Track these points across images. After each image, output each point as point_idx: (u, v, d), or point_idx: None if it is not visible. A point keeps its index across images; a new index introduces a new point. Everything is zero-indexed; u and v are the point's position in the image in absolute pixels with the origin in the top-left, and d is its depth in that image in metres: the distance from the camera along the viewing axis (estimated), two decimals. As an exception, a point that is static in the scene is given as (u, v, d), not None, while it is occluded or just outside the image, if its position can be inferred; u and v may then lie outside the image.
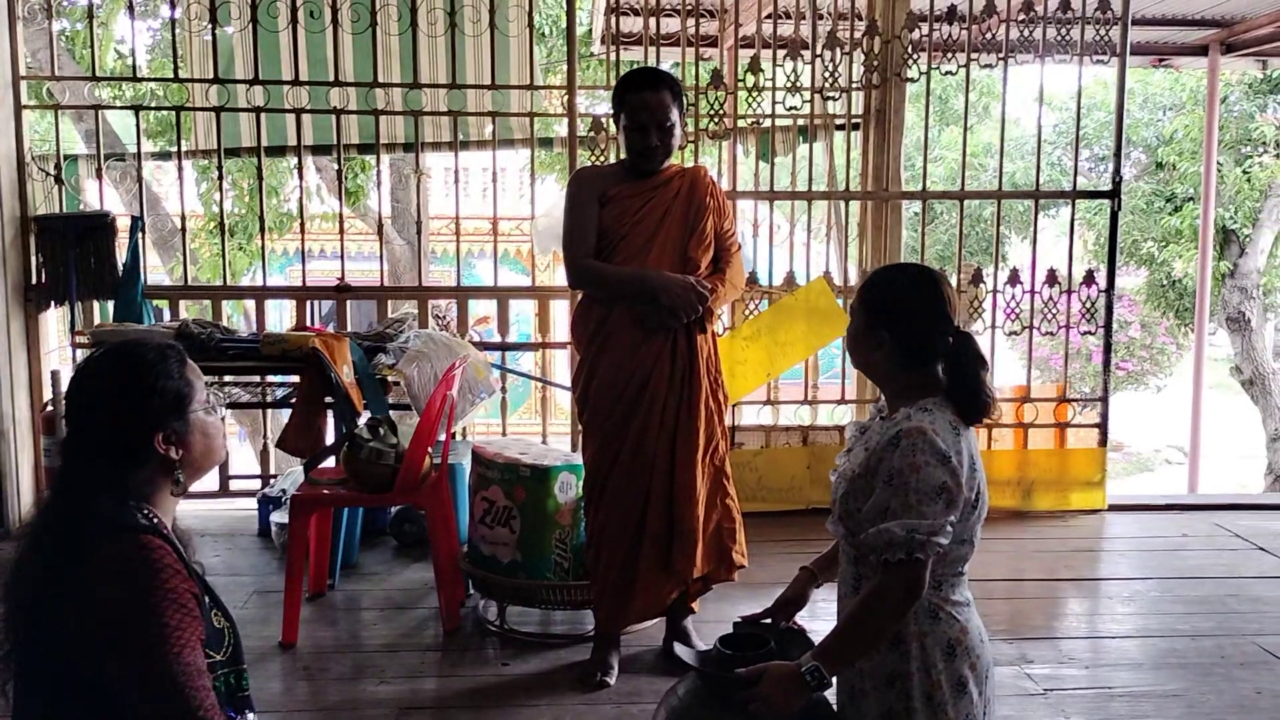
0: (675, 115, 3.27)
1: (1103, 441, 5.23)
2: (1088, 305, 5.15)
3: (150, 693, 1.56)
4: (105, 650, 1.58)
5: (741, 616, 2.30)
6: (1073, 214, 5.28)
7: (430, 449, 3.76)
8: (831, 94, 5.08)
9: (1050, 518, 5.08)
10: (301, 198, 5.27)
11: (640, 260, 3.29)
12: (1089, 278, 5.15)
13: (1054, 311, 5.16)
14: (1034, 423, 5.22)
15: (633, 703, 3.17)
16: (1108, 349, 5.33)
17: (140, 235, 4.83)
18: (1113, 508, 5.18)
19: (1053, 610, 4.09)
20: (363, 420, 3.90)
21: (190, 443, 1.76)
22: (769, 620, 2.29)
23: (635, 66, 3.83)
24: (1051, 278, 5.15)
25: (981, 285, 5.15)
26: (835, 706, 2.15)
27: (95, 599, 1.58)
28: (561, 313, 5.14)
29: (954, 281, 5.16)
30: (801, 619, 2.31)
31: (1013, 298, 5.14)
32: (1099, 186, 5.34)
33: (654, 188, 3.33)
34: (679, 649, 2.43)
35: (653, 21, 4.97)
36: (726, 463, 3.47)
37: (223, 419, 1.88)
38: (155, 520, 1.71)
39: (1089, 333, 5.24)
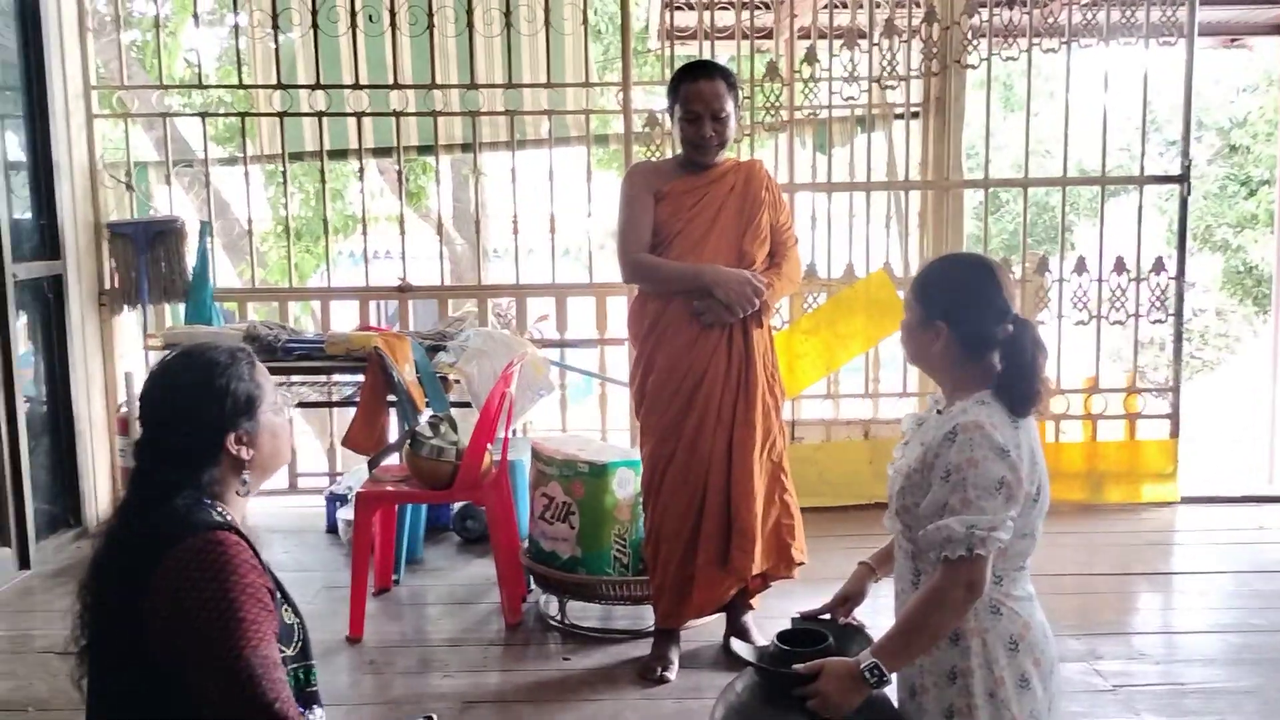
0: (730, 106, 3.26)
1: (1175, 432, 5.11)
2: (1158, 293, 5.03)
3: (228, 686, 1.60)
4: (183, 645, 1.61)
5: (800, 612, 2.28)
6: (1140, 199, 5.15)
7: (490, 446, 3.80)
8: (890, 83, 5.02)
9: (1121, 511, 4.97)
10: (364, 200, 5.34)
11: (696, 255, 3.28)
12: (1158, 265, 5.03)
13: (1122, 300, 5.05)
14: (1103, 414, 5.11)
15: (693, 698, 3.17)
16: (1179, 337, 5.20)
17: (209, 239, 4.94)
18: (1185, 500, 5.05)
19: (1123, 605, 4.01)
20: (424, 418, 3.95)
21: (260, 443, 1.80)
22: (827, 616, 2.27)
23: (690, 60, 3.82)
24: (1120, 266, 5.04)
25: (1047, 274, 5.06)
26: (896, 704, 2.14)
27: (174, 595, 1.62)
28: (619, 309, 5.15)
29: (1018, 271, 5.10)
30: (861, 614, 2.29)
31: (1079, 286, 5.04)
32: (1171, 172, 5.20)
33: (709, 182, 3.32)
34: (736, 645, 2.42)
35: (708, 15, 4.96)
36: (784, 459, 3.45)
37: (290, 420, 1.92)
38: (229, 517, 1.75)
39: (1159, 321, 5.11)
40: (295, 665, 1.76)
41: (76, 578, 1.77)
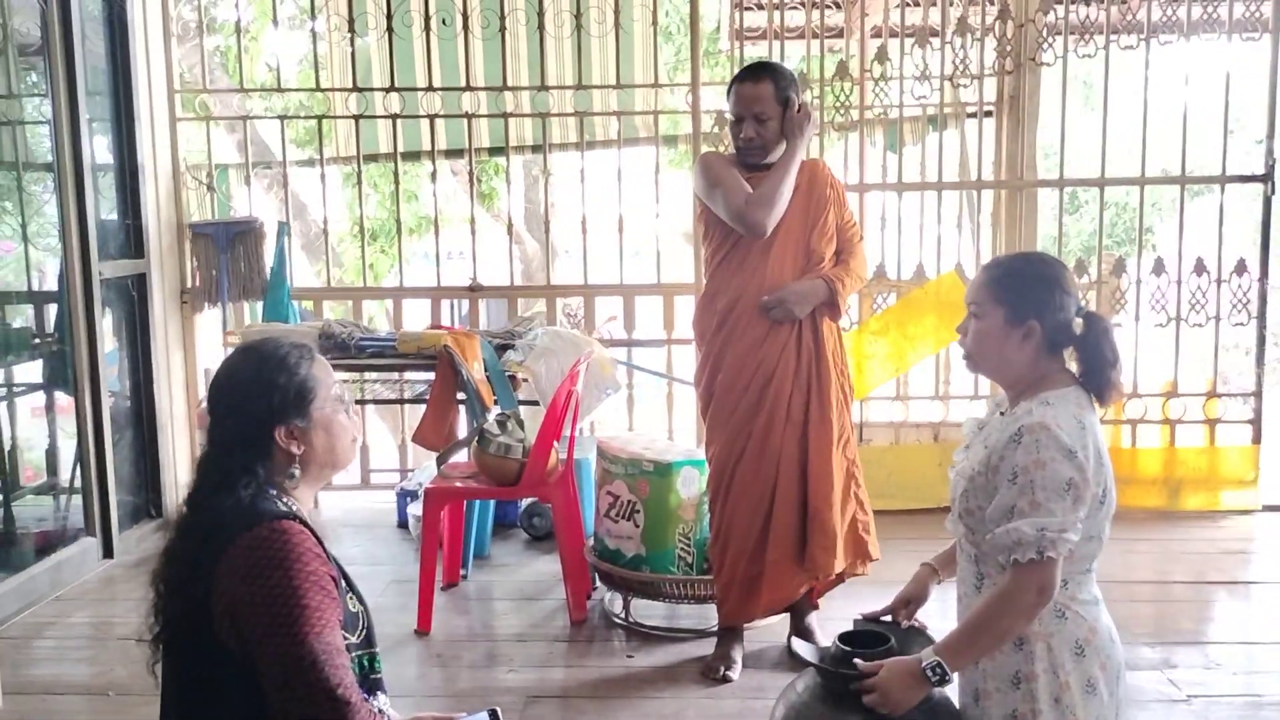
0: (773, 109, 3.24)
1: (1257, 438, 4.97)
2: (1240, 295, 4.90)
3: (293, 672, 1.63)
4: (249, 632, 1.65)
5: (862, 614, 2.28)
6: (1222, 199, 5.02)
7: (556, 444, 3.84)
8: (962, 81, 4.96)
9: (1199, 518, 4.85)
10: (435, 201, 5.43)
11: (763, 254, 3.28)
12: (1241, 266, 4.90)
13: (1202, 302, 4.92)
14: (1182, 419, 4.99)
15: (756, 698, 3.17)
16: (1261, 341, 5.04)
17: (286, 239, 5.06)
18: (1267, 508, 4.91)
19: (1200, 614, 3.91)
20: (492, 415, 4.00)
21: (312, 440, 1.82)
22: (889, 618, 2.26)
23: (755, 61, 3.82)
24: (1200, 267, 4.91)
25: (1124, 276, 4.95)
26: (959, 707, 2.12)
27: (239, 583, 1.66)
28: (687, 309, 5.16)
29: (1095, 272, 5.00)
30: (923, 616, 2.28)
31: (1158, 288, 4.93)
32: (1255, 171, 5.05)
33: None
34: (797, 644, 2.41)
35: (777, 15, 4.95)
36: (857, 456, 3.44)
37: (352, 418, 1.92)
38: (294, 507, 1.79)
39: (1241, 324, 4.97)
40: (360, 652, 1.79)
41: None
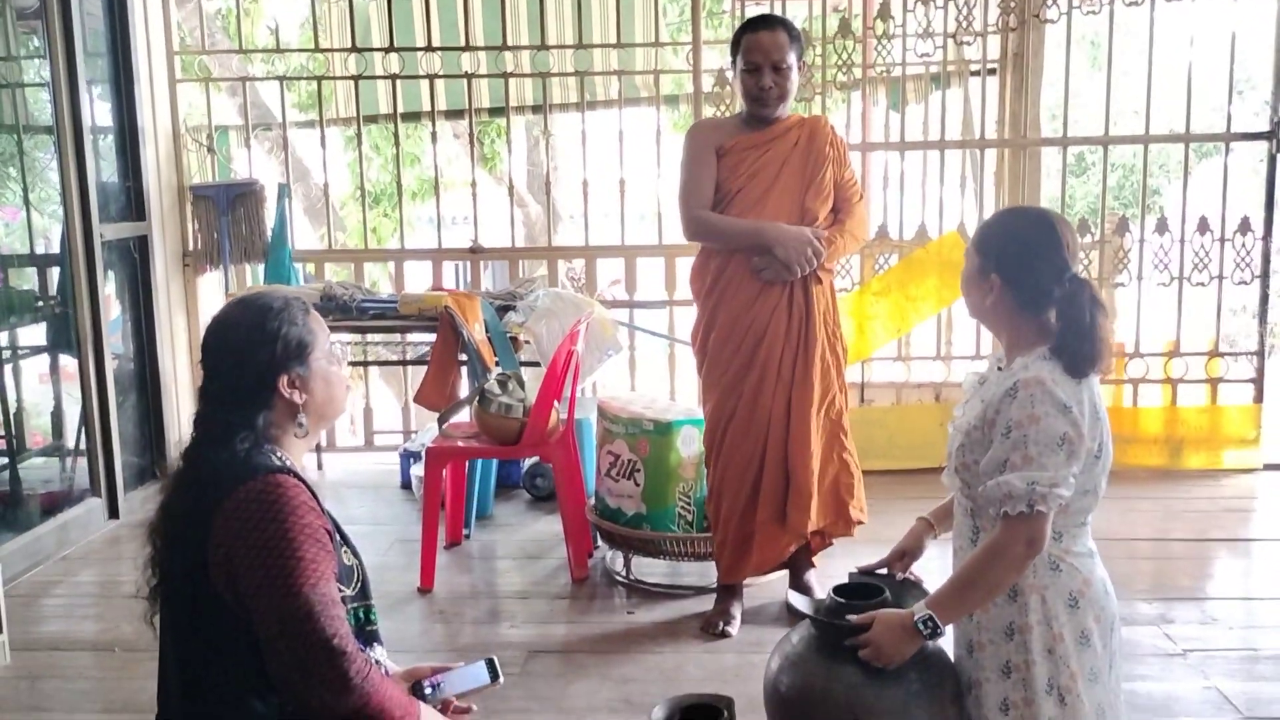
0: (792, 58, 3.22)
1: (1259, 397, 4.96)
2: (1243, 254, 4.87)
3: (288, 623, 1.65)
4: (245, 585, 1.67)
5: (858, 567, 2.29)
6: (1226, 157, 4.98)
7: (557, 403, 3.85)
8: (966, 39, 4.92)
9: (1201, 477, 4.85)
10: (435, 163, 5.41)
11: (757, 212, 3.27)
12: (1244, 225, 4.87)
13: (1205, 262, 4.90)
14: (1184, 378, 4.98)
15: (754, 652, 3.19)
16: (1264, 300, 5.02)
17: (287, 201, 5.05)
18: (1269, 467, 4.91)
19: (1199, 571, 3.92)
20: (493, 376, 4.01)
21: (313, 389, 1.83)
22: (885, 571, 2.28)
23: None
24: (1203, 225, 4.88)
25: (1127, 235, 4.93)
26: (953, 659, 2.14)
27: (235, 537, 1.68)
28: (688, 270, 5.15)
29: (1099, 231, 4.98)
30: (922, 570, 2.29)
31: (1160, 247, 4.90)
32: (1261, 129, 5.01)
33: (772, 139, 3.30)
34: (793, 597, 2.44)
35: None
36: (844, 417, 3.44)
37: (346, 371, 1.95)
38: (288, 461, 1.81)
39: (1244, 283, 4.95)
40: (355, 605, 1.81)
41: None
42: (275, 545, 1.66)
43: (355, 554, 1.88)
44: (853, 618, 2.02)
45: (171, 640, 1.80)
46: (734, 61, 3.31)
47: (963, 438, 2.00)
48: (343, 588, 1.77)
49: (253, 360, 1.78)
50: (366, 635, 1.84)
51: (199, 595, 1.71)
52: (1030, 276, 1.97)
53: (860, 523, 3.48)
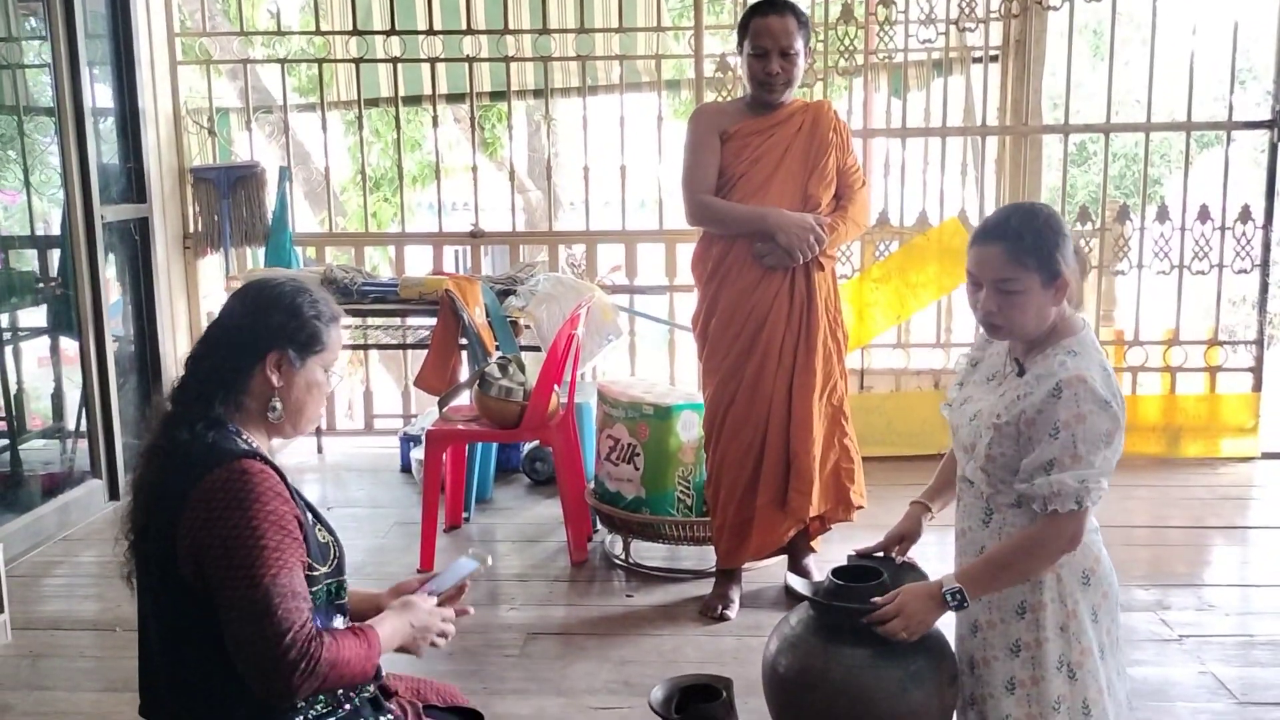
0: (799, 44, 3.21)
1: (1257, 386, 4.97)
2: (1243, 243, 4.88)
3: (246, 610, 1.63)
4: (211, 574, 1.66)
5: (855, 550, 2.31)
6: (1227, 146, 4.98)
7: (557, 388, 3.85)
8: (968, 25, 4.91)
9: (1198, 465, 4.87)
10: (436, 146, 5.41)
11: (760, 197, 3.27)
12: (1245, 213, 4.87)
13: (1206, 250, 4.90)
14: (1183, 366, 4.99)
15: (752, 635, 3.21)
16: (1264, 289, 5.03)
17: (288, 185, 5.05)
18: (1266, 456, 4.92)
19: (1196, 558, 3.94)
20: (493, 359, 4.01)
21: (294, 384, 1.81)
22: (882, 555, 2.29)
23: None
24: (1204, 214, 4.88)
25: (1128, 223, 4.93)
26: (956, 638, 2.15)
27: (202, 526, 1.66)
28: (689, 256, 5.15)
29: (1100, 219, 4.98)
30: (919, 554, 2.30)
31: (1161, 235, 4.91)
32: (1264, 118, 5.00)
33: (776, 124, 3.30)
34: (792, 579, 2.45)
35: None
36: (845, 403, 3.45)
37: (331, 390, 1.93)
38: (254, 444, 1.79)
39: (1244, 272, 4.96)
40: (329, 580, 1.81)
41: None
42: (238, 534, 1.65)
43: (330, 531, 1.87)
44: (878, 601, 2.04)
45: (148, 624, 1.79)
46: (740, 45, 3.30)
47: (992, 432, 1.98)
48: (317, 566, 1.76)
49: (264, 321, 1.78)
50: (335, 608, 1.84)
51: (169, 583, 1.71)
52: (1069, 268, 1.97)
53: (859, 507, 3.50)
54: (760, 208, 3.25)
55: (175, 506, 1.68)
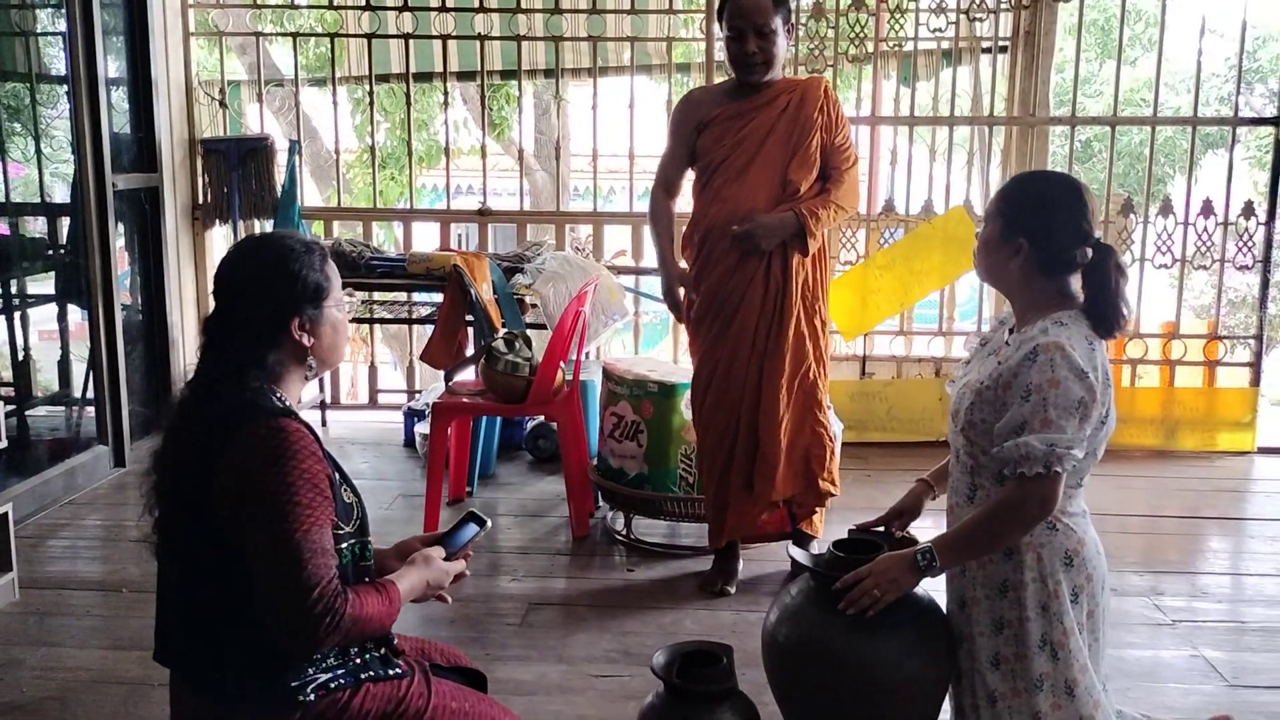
0: (776, 22, 3.17)
1: (1255, 381, 5.01)
2: (1245, 239, 4.91)
3: (275, 565, 1.68)
4: (241, 523, 1.70)
5: (856, 525, 2.34)
6: (1232, 142, 5.01)
7: (563, 364, 3.89)
8: (978, 15, 4.93)
9: (1195, 458, 4.91)
10: (447, 124, 5.43)
11: (739, 183, 3.25)
12: (1248, 209, 4.90)
13: (1208, 246, 4.93)
14: (1182, 360, 5.03)
15: (751, 610, 3.25)
16: (1265, 284, 5.06)
17: (297, 158, 5.08)
18: (1262, 450, 4.97)
19: (1190, 547, 3.98)
20: (500, 335, 4.04)
21: (321, 333, 1.86)
22: (882, 529, 2.33)
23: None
24: (1207, 209, 4.91)
25: (1131, 216, 4.96)
26: (946, 614, 2.18)
27: (238, 478, 1.70)
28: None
29: (1103, 213, 5.01)
30: (919, 531, 2.33)
31: (1164, 229, 4.94)
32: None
33: (758, 107, 3.26)
34: (791, 549, 2.48)
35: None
36: (819, 389, 3.38)
37: (349, 319, 2.00)
38: (289, 402, 1.83)
39: (1246, 268, 4.99)
40: (352, 541, 1.84)
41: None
42: (274, 488, 1.69)
43: (355, 492, 1.91)
44: (855, 572, 2.07)
45: (170, 574, 1.83)
46: (721, 27, 3.25)
47: (973, 396, 2.02)
48: (342, 525, 1.80)
49: (270, 298, 1.81)
50: (360, 570, 1.88)
51: (199, 530, 1.74)
52: (1057, 240, 2.00)
53: (830, 494, 3.45)
54: (665, 256, 3.43)
55: (214, 456, 1.71)
